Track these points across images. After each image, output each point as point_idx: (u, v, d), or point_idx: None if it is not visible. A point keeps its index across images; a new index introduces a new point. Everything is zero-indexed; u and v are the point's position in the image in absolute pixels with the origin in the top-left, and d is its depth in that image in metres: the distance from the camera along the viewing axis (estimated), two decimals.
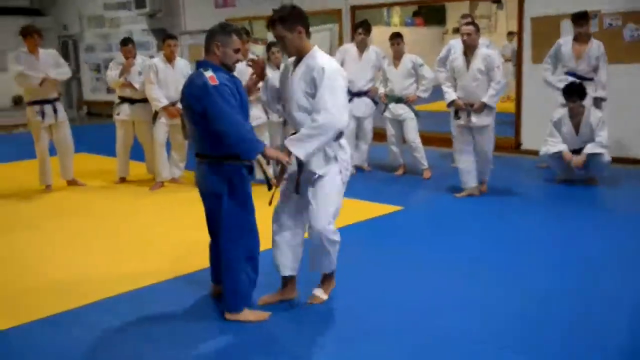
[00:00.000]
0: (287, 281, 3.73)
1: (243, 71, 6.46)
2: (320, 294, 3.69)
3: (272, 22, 3.40)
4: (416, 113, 6.98)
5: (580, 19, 6.51)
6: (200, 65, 3.32)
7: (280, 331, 3.39)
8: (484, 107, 5.77)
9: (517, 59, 8.43)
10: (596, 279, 3.96)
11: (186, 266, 4.29)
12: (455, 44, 6.97)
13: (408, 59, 6.89)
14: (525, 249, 4.58)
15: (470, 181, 6.03)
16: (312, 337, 3.30)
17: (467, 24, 5.89)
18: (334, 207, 3.49)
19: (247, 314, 3.43)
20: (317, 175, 3.45)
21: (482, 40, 7.36)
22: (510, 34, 12.76)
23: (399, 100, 6.99)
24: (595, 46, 6.58)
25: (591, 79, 6.59)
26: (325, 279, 3.74)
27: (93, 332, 3.40)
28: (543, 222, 5.34)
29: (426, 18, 13.77)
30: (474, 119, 5.82)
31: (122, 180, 7.38)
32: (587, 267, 4.15)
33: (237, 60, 3.39)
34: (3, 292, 4.05)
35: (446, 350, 3.09)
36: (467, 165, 6.01)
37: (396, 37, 6.93)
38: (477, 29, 5.80)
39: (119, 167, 7.37)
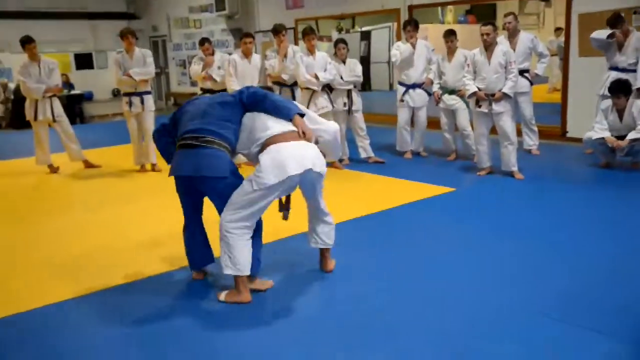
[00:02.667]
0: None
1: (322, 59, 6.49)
2: (222, 296, 3.35)
3: None
4: (467, 104, 6.84)
5: (616, 21, 6.34)
6: None
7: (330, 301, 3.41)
8: (503, 97, 5.85)
9: (564, 52, 8.10)
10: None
11: None
12: (502, 39, 6.78)
13: (461, 53, 6.74)
14: (572, 228, 4.43)
15: (487, 162, 6.19)
16: (373, 306, 3.31)
17: (486, 24, 5.91)
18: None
19: (258, 283, 3.45)
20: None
21: (528, 34, 7.19)
22: (557, 29, 12.30)
23: (451, 92, 6.87)
24: (635, 38, 6.31)
25: (633, 71, 6.31)
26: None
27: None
28: (587, 202, 5.14)
29: (478, 16, 13.39)
30: (495, 106, 5.89)
31: None
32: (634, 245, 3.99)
33: None
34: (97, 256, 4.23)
35: (500, 321, 3.03)
36: (485, 148, 6.15)
37: (450, 35, 6.80)
38: (495, 28, 5.93)
39: None
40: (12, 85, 13.13)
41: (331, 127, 3.62)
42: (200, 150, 3.20)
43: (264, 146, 3.23)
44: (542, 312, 3.07)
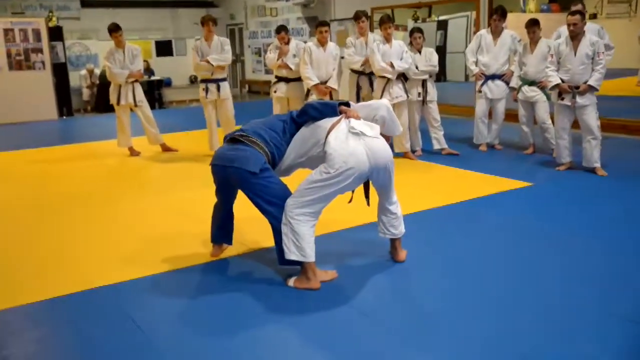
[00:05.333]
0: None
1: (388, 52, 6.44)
2: (291, 282, 3.43)
3: None
4: (548, 96, 6.59)
5: None
6: None
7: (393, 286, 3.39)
8: (588, 89, 5.61)
9: None
10: None
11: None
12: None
13: (544, 43, 6.48)
14: None
15: (567, 157, 5.98)
16: (437, 301, 3.27)
17: (573, 13, 5.63)
18: None
19: (322, 274, 3.48)
20: None
21: (594, 26, 6.81)
22: None
23: (532, 83, 6.63)
24: None
25: None
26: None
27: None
28: None
29: (562, 4, 12.81)
30: (579, 99, 5.66)
31: None
32: None
33: None
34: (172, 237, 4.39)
35: (573, 321, 2.93)
36: (565, 142, 5.93)
37: (532, 25, 6.55)
38: (583, 17, 5.65)
39: None
40: (97, 71, 13.80)
41: (380, 102, 3.77)
42: (240, 145, 3.43)
43: (324, 142, 3.34)
44: (620, 314, 2.94)
